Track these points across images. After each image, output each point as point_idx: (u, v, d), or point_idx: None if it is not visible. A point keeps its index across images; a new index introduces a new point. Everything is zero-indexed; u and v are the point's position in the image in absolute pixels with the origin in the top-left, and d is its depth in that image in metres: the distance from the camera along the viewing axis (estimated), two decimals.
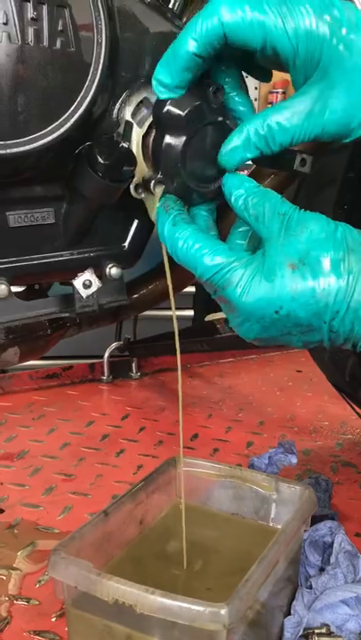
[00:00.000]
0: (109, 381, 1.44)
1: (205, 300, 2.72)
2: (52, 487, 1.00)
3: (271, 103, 3.45)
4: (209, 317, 1.33)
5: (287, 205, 0.57)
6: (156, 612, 0.55)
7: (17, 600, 0.76)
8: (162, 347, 1.39)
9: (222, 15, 0.54)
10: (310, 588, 0.74)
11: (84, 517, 0.92)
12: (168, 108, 0.56)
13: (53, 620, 0.74)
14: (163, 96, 0.57)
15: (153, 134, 0.58)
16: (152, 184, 0.58)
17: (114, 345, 1.44)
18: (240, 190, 0.58)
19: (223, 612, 0.54)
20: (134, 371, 1.46)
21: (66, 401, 1.34)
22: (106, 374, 1.44)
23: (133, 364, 1.46)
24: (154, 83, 0.57)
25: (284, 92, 3.36)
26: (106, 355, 1.43)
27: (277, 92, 3.38)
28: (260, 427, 1.25)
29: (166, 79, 0.56)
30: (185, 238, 0.57)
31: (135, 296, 0.84)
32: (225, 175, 0.59)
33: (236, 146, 0.57)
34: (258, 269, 0.56)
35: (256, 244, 0.61)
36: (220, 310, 1.28)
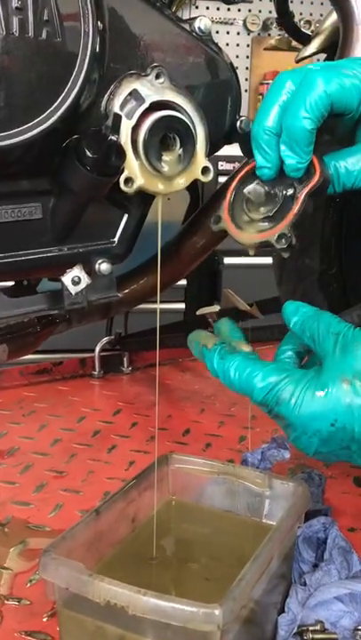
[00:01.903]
0: (100, 376, 1.43)
1: (197, 294, 2.72)
2: (43, 484, 0.99)
3: (261, 94, 3.43)
4: (200, 311, 1.32)
5: (341, 325, 0.60)
6: (148, 614, 0.54)
7: (8, 600, 0.75)
8: (154, 341, 1.37)
9: (326, 87, 0.58)
10: (304, 584, 0.74)
11: (76, 515, 0.91)
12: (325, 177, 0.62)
13: (45, 620, 0.73)
14: (297, 175, 0.62)
15: (144, 128, 0.57)
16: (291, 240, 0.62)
17: (105, 339, 1.43)
18: (296, 317, 0.63)
19: (217, 612, 0.53)
20: (125, 365, 1.45)
21: (57, 397, 1.33)
22: (97, 369, 1.43)
23: (125, 359, 1.45)
24: (292, 174, 0.62)
25: None
26: (97, 349, 1.42)
27: (268, 84, 3.36)
28: (253, 421, 1.23)
29: (299, 163, 0.61)
30: (235, 367, 0.62)
31: (126, 291, 0.82)
32: (285, 304, 0.65)
33: None
34: (311, 384, 0.58)
35: (306, 363, 0.66)
36: (212, 304, 1.28)
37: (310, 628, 0.69)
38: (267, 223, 0.65)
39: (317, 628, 0.69)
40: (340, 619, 0.70)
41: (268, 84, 3.38)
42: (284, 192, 0.64)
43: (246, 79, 3.40)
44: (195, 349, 0.67)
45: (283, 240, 0.63)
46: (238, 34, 3.34)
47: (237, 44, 3.35)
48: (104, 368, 1.44)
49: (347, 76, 0.58)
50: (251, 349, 0.66)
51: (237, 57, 3.36)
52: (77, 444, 1.13)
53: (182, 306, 2.58)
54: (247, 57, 3.38)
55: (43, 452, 1.09)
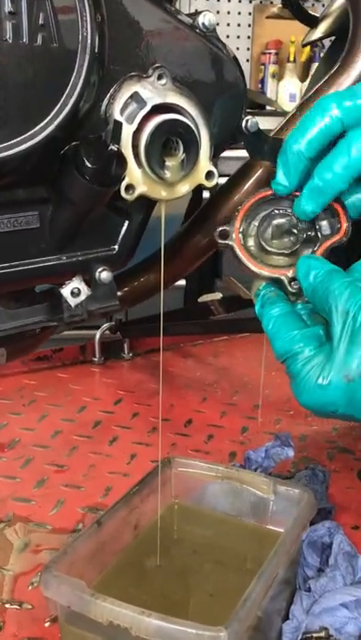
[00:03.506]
0: (101, 363, 1.42)
1: (198, 272, 2.69)
2: (44, 479, 0.98)
3: (263, 64, 3.36)
4: (202, 298, 1.30)
5: (351, 301, 0.56)
6: (152, 636, 0.53)
7: (9, 604, 0.74)
8: (155, 328, 1.35)
9: None
10: (309, 590, 0.73)
11: (77, 512, 0.90)
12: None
13: (47, 624, 0.72)
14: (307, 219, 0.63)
15: (146, 133, 0.54)
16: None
17: (105, 325, 1.41)
18: (306, 282, 0.60)
19: (223, 635, 0.52)
20: (126, 351, 1.43)
21: (57, 385, 1.31)
22: (97, 356, 1.41)
23: (125, 345, 1.43)
24: (302, 217, 0.62)
25: (276, 53, 3.27)
26: (97, 336, 1.40)
27: (270, 53, 3.29)
28: (256, 411, 1.22)
29: (314, 213, 0.62)
30: (268, 319, 0.61)
31: (126, 289, 0.80)
32: (299, 259, 0.62)
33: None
34: (316, 370, 0.57)
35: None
36: (214, 283, 1.26)
37: (315, 635, 0.68)
38: (280, 258, 0.63)
39: (322, 634, 0.68)
40: (345, 625, 0.70)
41: (270, 53, 3.31)
42: (307, 233, 0.63)
43: (248, 48, 3.33)
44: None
45: (294, 284, 0.62)
46: (240, 1, 3.25)
47: (239, 13, 3.27)
48: (104, 354, 1.42)
49: None
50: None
51: (239, 25, 3.29)
52: (78, 435, 1.11)
53: (183, 283, 2.56)
54: (249, 25, 3.30)
55: (43, 444, 1.08)
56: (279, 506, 0.73)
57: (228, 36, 3.24)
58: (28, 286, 0.62)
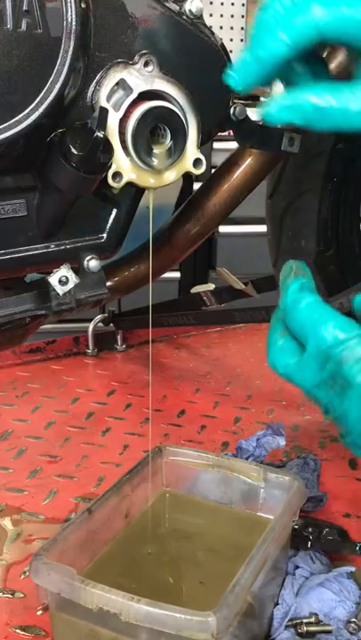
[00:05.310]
0: (94, 354, 1.42)
1: (192, 263, 2.69)
2: (37, 470, 0.98)
3: None
4: (195, 289, 1.30)
5: None
6: (141, 621, 0.53)
7: (1, 593, 0.75)
8: (147, 319, 1.36)
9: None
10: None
11: (70, 502, 0.90)
12: None
13: (39, 613, 0.72)
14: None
15: (132, 120, 0.54)
16: None
17: (98, 317, 1.41)
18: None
19: (211, 620, 0.52)
20: (119, 343, 1.44)
21: (50, 376, 1.31)
22: (91, 347, 1.41)
23: (119, 337, 1.43)
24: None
25: None
26: (90, 327, 1.40)
27: None
28: (249, 401, 1.23)
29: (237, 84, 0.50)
30: (308, 302, 0.53)
31: (116, 279, 0.80)
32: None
33: None
34: None
35: None
36: (207, 274, 1.26)
37: (305, 621, 0.69)
38: None
39: (312, 620, 0.69)
40: (333, 609, 0.70)
41: None
42: None
43: (241, 40, 3.31)
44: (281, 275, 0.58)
45: None
46: None
47: (232, 4, 3.26)
48: (98, 346, 1.42)
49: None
50: None
51: (232, 16, 3.27)
52: (71, 426, 1.12)
53: (177, 275, 2.56)
54: (242, 16, 3.29)
55: (36, 435, 1.08)
56: (270, 493, 0.73)
57: (221, 27, 3.22)
58: (17, 275, 0.62)
